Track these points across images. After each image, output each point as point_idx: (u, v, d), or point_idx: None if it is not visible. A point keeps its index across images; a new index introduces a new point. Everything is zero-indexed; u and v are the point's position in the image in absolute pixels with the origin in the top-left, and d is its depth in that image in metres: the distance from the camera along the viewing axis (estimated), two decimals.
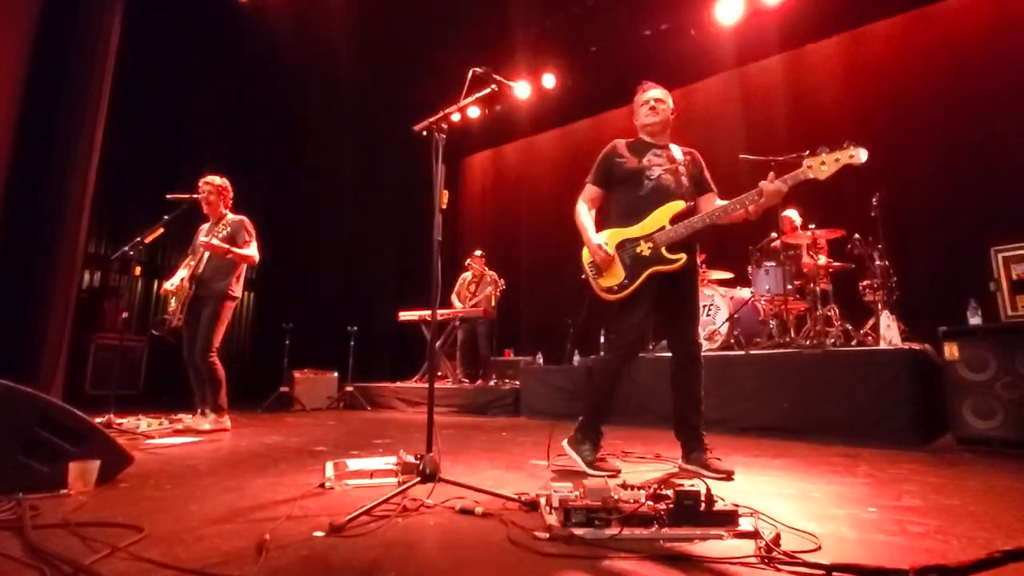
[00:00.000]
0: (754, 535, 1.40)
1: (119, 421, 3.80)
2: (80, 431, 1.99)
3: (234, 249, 3.94)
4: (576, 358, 5.74)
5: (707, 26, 6.77)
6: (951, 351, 3.24)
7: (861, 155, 2.18)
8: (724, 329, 4.93)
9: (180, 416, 4.11)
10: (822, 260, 4.84)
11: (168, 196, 4.07)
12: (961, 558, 1.19)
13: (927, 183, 5.55)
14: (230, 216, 4.14)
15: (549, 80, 7.90)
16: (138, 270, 7.47)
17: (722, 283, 5.41)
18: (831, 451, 3.11)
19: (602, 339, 5.83)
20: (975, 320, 3.44)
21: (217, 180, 4.16)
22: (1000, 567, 1.16)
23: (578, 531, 1.43)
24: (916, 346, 3.87)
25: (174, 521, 1.57)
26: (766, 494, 1.99)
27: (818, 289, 4.63)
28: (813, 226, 4.91)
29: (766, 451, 3.10)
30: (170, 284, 4.06)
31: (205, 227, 4.15)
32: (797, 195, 5.46)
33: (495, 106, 8.71)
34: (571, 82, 7.96)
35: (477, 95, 2.27)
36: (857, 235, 4.57)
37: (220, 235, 4.00)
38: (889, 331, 3.95)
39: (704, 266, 5.32)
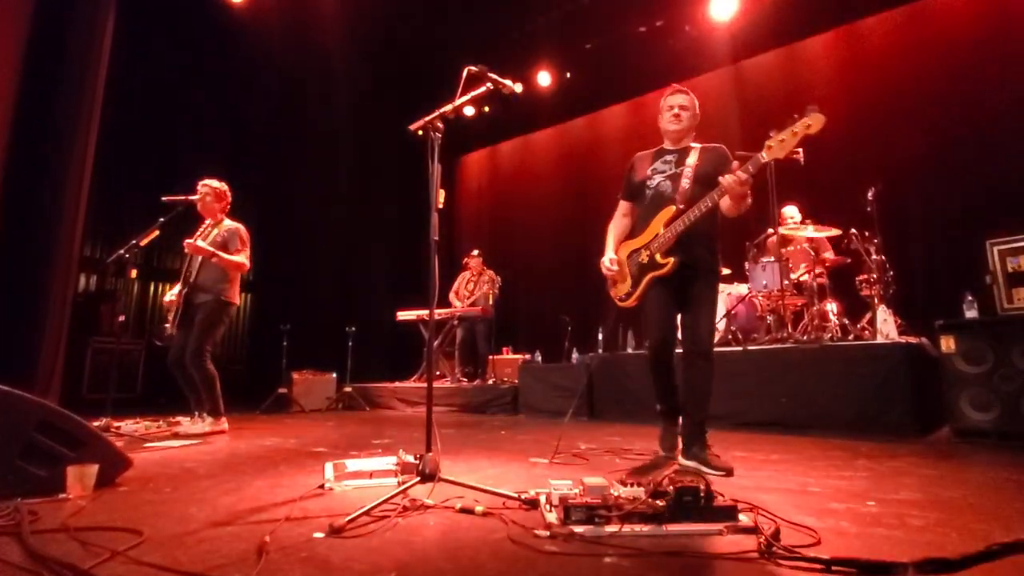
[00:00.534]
0: (754, 530, 1.40)
1: (117, 424, 3.80)
2: (78, 435, 1.98)
3: (220, 253, 3.89)
4: (575, 356, 5.75)
5: (702, 22, 6.78)
6: (948, 344, 3.25)
7: (816, 123, 2.17)
8: (722, 325, 4.93)
9: (178, 419, 4.10)
10: (828, 255, 4.86)
11: (164, 199, 4.05)
12: (960, 551, 1.20)
13: (922, 177, 5.57)
14: (227, 223, 4.12)
15: (545, 78, 7.90)
16: (134, 273, 7.43)
17: (720, 279, 5.41)
18: (829, 445, 3.12)
19: (600, 337, 5.84)
20: (971, 313, 3.46)
21: (216, 184, 4.14)
22: (999, 559, 1.16)
23: (578, 529, 1.43)
24: (913, 340, 3.88)
25: (174, 524, 1.57)
26: (765, 489, 2.00)
27: (815, 284, 4.64)
28: (810, 224, 4.91)
29: (765, 446, 3.11)
30: (169, 296, 4.06)
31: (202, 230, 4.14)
32: (795, 191, 5.49)
33: (491, 105, 8.69)
34: (566, 79, 7.96)
35: (472, 94, 2.26)
36: (853, 230, 4.58)
37: (212, 239, 3.98)
38: (886, 325, 3.96)
39: None
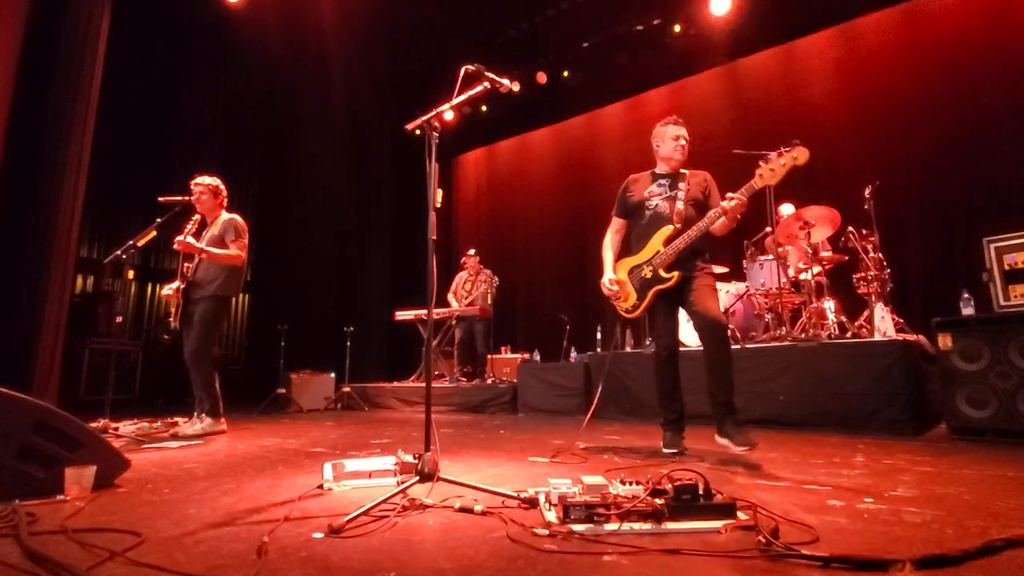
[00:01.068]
0: (753, 527, 1.40)
1: (115, 425, 3.78)
2: (76, 436, 1.97)
3: (209, 249, 3.85)
4: (573, 355, 5.75)
5: (699, 21, 6.79)
6: (945, 342, 3.26)
7: (803, 156, 2.45)
8: None
9: (176, 420, 4.09)
10: (826, 254, 4.86)
11: (160, 199, 4.03)
12: (957, 547, 1.20)
13: (919, 175, 5.58)
14: (224, 215, 4.09)
15: (541, 77, 7.89)
16: (131, 274, 7.44)
17: (718, 278, 5.42)
18: (827, 442, 3.13)
19: (598, 336, 5.85)
20: (968, 311, 3.46)
21: (208, 180, 4.11)
22: (996, 555, 1.17)
23: (577, 527, 1.43)
24: (910, 337, 3.89)
25: (172, 525, 1.56)
26: (764, 486, 2.00)
27: (813, 282, 4.65)
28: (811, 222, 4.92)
29: (763, 443, 3.09)
30: (167, 289, 4.03)
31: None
32: (791, 189, 5.51)
33: (488, 104, 8.69)
34: (563, 78, 7.95)
35: (469, 93, 2.25)
36: (851, 228, 4.59)
37: (211, 234, 3.97)
38: (883, 323, 3.97)
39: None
